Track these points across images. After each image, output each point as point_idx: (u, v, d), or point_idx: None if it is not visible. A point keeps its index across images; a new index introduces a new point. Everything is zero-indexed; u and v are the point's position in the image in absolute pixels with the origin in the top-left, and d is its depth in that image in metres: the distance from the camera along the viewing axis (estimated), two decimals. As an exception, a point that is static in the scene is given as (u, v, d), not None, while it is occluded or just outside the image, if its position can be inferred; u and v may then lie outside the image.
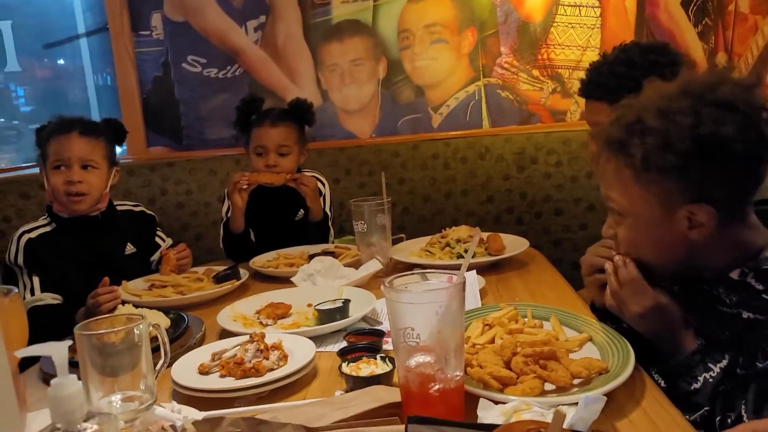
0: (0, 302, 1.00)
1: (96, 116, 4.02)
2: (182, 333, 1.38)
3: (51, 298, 1.84)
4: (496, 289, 1.63)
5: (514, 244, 1.92)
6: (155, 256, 2.10)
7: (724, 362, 1.06)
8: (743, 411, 0.99)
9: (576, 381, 1.02)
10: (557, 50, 2.83)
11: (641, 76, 1.32)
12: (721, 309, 1.09)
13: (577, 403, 0.85)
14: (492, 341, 1.18)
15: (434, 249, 1.91)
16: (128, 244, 2.04)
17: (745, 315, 1.05)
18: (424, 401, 0.91)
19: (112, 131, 2.02)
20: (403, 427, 0.85)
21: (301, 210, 2.25)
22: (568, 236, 2.67)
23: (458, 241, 1.90)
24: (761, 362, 1.01)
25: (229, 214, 2.22)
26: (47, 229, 1.92)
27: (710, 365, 1.06)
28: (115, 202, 2.05)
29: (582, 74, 1.67)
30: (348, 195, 2.78)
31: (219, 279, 1.81)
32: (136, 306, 1.49)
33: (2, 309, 0.98)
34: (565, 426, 0.84)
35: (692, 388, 1.04)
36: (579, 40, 2.81)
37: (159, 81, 2.98)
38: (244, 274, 1.85)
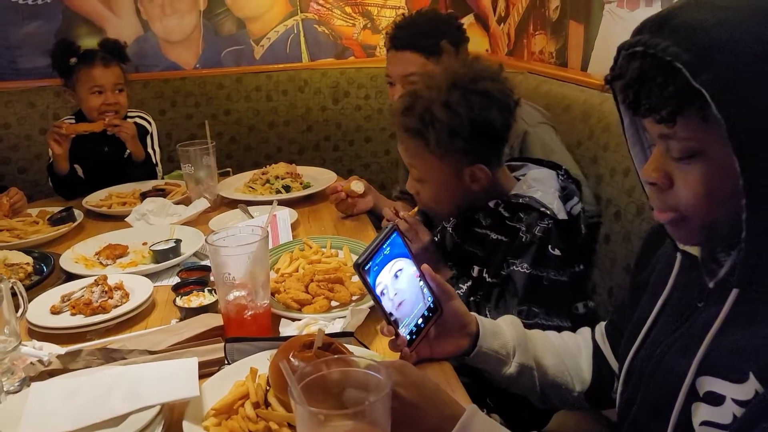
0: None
1: None
2: (51, 272, 1.58)
3: None
4: (307, 220, 1.95)
5: (324, 177, 2.26)
6: None
7: (469, 283, 1.48)
8: (487, 312, 1.39)
9: (354, 298, 1.40)
10: (367, -12, 3.09)
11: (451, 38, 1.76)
12: (477, 231, 1.51)
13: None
14: (296, 270, 1.53)
15: (256, 185, 2.18)
16: None
17: (493, 236, 1.46)
18: (240, 324, 1.22)
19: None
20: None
21: (129, 148, 2.34)
22: (376, 160, 3.07)
23: (277, 177, 2.19)
24: (504, 272, 1.42)
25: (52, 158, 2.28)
26: None
27: (460, 285, 1.48)
28: None
29: (389, 12, 1.89)
30: (175, 126, 2.91)
31: (55, 222, 1.91)
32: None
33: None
34: (339, 330, 1.22)
35: None
36: (387, -20, 3.07)
37: (-39, 6, 2.80)
38: (78, 214, 1.97)
